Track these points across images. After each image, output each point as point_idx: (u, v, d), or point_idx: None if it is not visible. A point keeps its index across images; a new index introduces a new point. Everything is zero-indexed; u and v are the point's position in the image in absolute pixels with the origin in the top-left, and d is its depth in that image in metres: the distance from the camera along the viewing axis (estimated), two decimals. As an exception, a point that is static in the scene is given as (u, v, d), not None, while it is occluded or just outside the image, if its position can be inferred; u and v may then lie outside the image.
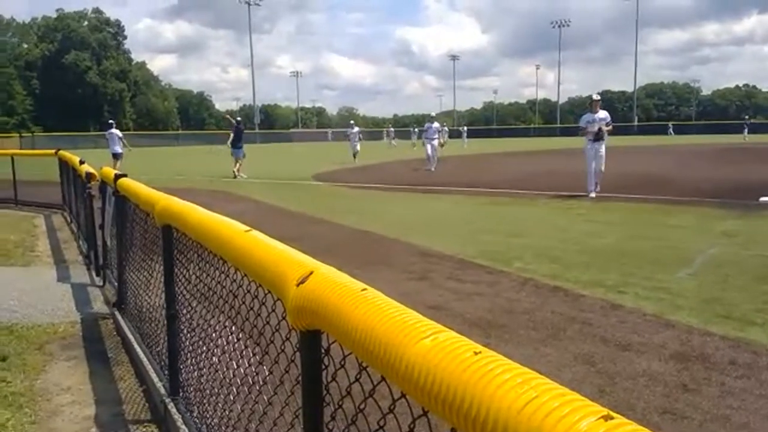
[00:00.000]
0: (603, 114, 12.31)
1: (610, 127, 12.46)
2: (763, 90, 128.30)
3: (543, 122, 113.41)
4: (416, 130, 52.59)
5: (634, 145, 38.83)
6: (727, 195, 11.81)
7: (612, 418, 0.64)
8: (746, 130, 50.66)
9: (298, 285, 1.29)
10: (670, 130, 72.15)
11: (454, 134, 54.81)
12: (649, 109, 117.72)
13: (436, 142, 21.78)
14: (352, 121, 32.50)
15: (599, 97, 12.71)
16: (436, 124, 22.32)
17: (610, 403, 3.11)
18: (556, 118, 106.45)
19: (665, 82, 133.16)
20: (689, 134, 67.51)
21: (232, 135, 19.81)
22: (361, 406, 1.21)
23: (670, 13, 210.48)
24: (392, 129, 59.13)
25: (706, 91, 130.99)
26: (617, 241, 7.60)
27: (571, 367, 3.63)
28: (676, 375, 3.46)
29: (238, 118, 20.93)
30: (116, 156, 19.71)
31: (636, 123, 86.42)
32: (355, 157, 27.03)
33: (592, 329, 4.28)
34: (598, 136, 12.10)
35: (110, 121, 22.47)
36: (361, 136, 29.79)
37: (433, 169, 20.63)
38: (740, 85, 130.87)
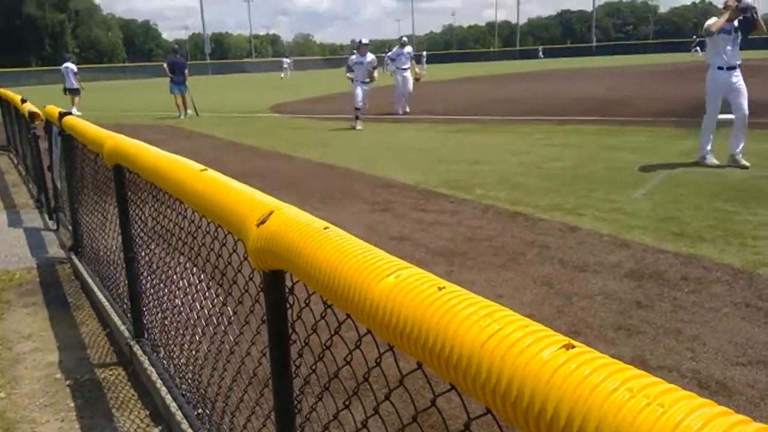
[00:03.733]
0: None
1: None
2: (720, 7, 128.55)
3: (503, 45, 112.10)
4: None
5: (592, 67, 38.92)
6: (685, 114, 12.00)
7: (573, 347, 0.64)
8: (699, 48, 51.64)
9: (258, 225, 1.25)
10: (540, 53, 73.61)
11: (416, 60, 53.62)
12: (608, 29, 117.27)
13: (408, 74, 15.33)
14: (363, 39, 13.34)
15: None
16: (408, 49, 15.79)
17: (567, 322, 3.24)
18: (516, 42, 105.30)
19: (624, 0, 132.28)
20: (647, 53, 67.82)
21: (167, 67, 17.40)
22: (327, 343, 1.22)
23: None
24: (288, 59, 54.33)
25: (663, 9, 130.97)
26: (575, 164, 7.72)
27: (531, 289, 3.74)
28: (631, 292, 3.61)
29: (176, 47, 19.21)
30: (72, 92, 18.69)
31: (594, 44, 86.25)
32: (356, 118, 12.72)
33: (550, 252, 4.40)
34: (734, 57, 7.42)
35: (66, 54, 21.13)
36: (375, 74, 13.55)
37: (401, 112, 15.24)
38: (697, 2, 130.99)
